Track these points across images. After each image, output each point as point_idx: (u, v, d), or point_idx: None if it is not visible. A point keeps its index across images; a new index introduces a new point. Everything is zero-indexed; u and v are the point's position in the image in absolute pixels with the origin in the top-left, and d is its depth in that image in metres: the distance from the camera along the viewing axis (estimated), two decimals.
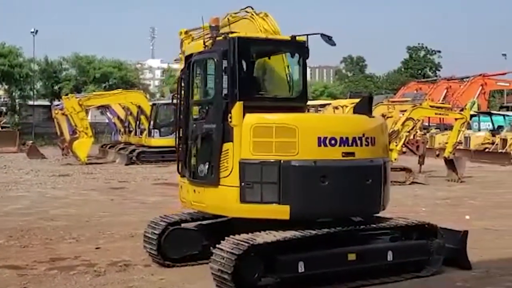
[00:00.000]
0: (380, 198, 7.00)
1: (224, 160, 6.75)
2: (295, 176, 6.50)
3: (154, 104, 27.09)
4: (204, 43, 7.17)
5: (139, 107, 26.82)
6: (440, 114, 20.79)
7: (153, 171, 21.77)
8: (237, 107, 6.72)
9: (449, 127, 29.56)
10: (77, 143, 24.80)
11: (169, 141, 25.04)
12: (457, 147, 20.40)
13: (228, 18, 8.12)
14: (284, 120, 6.64)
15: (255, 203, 6.58)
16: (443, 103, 26.62)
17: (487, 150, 26.72)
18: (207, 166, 6.99)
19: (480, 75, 39.77)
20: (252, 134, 6.63)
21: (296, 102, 7.46)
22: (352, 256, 6.73)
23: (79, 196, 15.05)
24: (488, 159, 25.39)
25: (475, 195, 15.25)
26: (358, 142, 6.75)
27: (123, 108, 29.06)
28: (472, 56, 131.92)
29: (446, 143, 26.26)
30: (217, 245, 6.40)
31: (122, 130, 29.57)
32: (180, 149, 7.71)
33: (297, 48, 7.33)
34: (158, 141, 25.39)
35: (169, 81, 57.89)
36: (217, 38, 7.00)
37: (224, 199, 6.82)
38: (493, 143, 26.90)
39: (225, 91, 6.85)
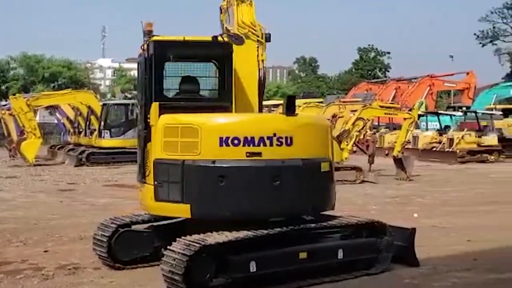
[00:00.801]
0: (296, 200, 6.76)
1: (147, 160, 7.07)
2: (195, 176, 6.60)
3: (104, 104, 26.67)
4: (141, 47, 7.30)
5: (89, 107, 26.32)
6: (389, 114, 21.19)
7: (104, 172, 21.43)
8: (153, 107, 6.96)
9: (398, 127, 30.17)
10: (25, 144, 24.19)
11: (120, 142, 24.87)
12: (406, 146, 20.82)
13: (222, 6, 8.19)
14: (189, 121, 6.75)
15: (165, 202, 6.82)
16: (392, 103, 27.21)
17: (434, 149, 27.35)
18: (138, 166, 7.41)
19: (428, 76, 40.79)
20: (163, 134, 6.82)
21: (220, 102, 7.35)
22: (303, 255, 6.78)
23: (27, 198, 14.69)
24: (436, 158, 26.00)
25: (423, 193, 15.60)
26: (267, 142, 6.61)
27: (72, 108, 28.49)
28: (421, 58, 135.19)
29: (395, 142, 26.97)
30: (168, 247, 6.36)
31: (72, 131, 28.96)
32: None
33: (220, 48, 7.25)
34: (108, 142, 25.03)
35: (120, 81, 57.21)
36: (148, 42, 7.16)
37: (145, 197, 7.15)
38: (440, 142, 27.55)
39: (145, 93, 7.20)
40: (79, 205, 13.48)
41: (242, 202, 6.60)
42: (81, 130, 27.55)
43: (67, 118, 29.69)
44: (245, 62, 7.62)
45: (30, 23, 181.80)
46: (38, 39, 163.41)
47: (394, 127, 31.40)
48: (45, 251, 8.64)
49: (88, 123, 26.62)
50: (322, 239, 7.21)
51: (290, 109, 6.86)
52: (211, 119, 6.82)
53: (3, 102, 39.58)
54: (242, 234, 6.46)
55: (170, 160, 6.71)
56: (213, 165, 6.55)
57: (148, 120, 7.04)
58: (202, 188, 6.61)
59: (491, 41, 72.45)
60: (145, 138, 7.15)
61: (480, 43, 73.14)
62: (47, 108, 32.02)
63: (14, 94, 30.05)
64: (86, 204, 13.66)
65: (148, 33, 7.14)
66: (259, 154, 6.58)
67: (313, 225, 7.03)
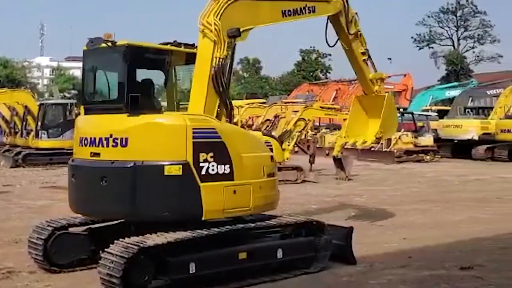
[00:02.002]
0: (126, 203, 6.58)
1: None
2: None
3: (42, 104, 25.92)
4: None
5: (25, 107, 25.57)
6: (329, 114, 21.58)
7: (41, 174, 20.87)
8: (81, 110, 7.63)
9: (338, 127, 30.73)
10: None
11: (58, 142, 24.24)
12: (345, 147, 21.16)
13: None
14: (76, 121, 7.64)
15: None
16: (332, 104, 27.66)
17: (373, 149, 27.89)
18: None
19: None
20: None
21: (116, 103, 7.15)
22: (243, 255, 6.81)
23: None
24: (374, 157, 26.55)
25: (361, 192, 15.93)
26: (104, 142, 6.75)
27: (8, 108, 27.61)
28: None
29: (335, 142, 27.42)
30: (105, 249, 6.26)
31: (7, 131, 28.04)
32: None
33: (118, 52, 7.02)
34: (46, 142, 24.37)
35: (59, 80, 55.81)
36: None
37: None
38: (378, 143, 28.16)
39: None
40: (15, 208, 13.07)
41: (83, 200, 7.10)
42: (17, 130, 26.75)
43: (3, 118, 28.70)
44: (198, 61, 7.29)
45: None
46: None
47: (334, 127, 31.96)
48: None
49: (24, 123, 25.87)
50: (262, 239, 7.27)
51: (132, 109, 6.69)
52: (80, 119, 7.57)
53: None
54: (181, 235, 6.43)
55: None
56: (71, 163, 7.29)
57: None
58: (69, 185, 7.40)
59: (427, 45, 74.83)
60: None
61: (417, 46, 75.42)
62: None
63: None
64: (22, 207, 13.27)
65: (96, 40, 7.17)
66: (98, 154, 6.86)
67: (252, 225, 7.07)
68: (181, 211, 6.58)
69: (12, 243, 9.22)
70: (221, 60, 7.14)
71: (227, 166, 6.76)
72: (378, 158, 26.41)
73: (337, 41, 9.54)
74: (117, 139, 6.65)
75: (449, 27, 74.76)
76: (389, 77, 43.27)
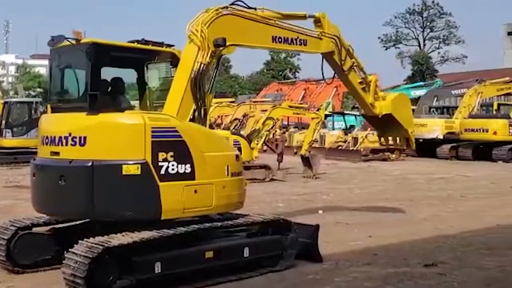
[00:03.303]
0: (83, 202, 6.55)
1: None
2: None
3: (6, 102, 25.51)
4: None
5: None
6: (297, 113, 21.68)
7: (4, 173, 20.49)
8: (48, 109, 7.61)
9: (306, 126, 30.91)
10: None
11: (22, 141, 23.88)
12: (313, 145, 21.35)
13: None
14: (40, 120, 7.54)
15: None
16: (301, 103, 27.81)
17: (340, 148, 28.24)
18: None
19: (334, 77, 41.89)
20: None
21: (80, 102, 7.11)
22: (209, 254, 6.81)
23: None
24: (341, 156, 26.82)
25: (328, 190, 16.05)
26: (64, 141, 6.73)
27: None
28: None
29: (303, 141, 27.60)
30: (69, 249, 6.19)
31: None
32: None
33: (80, 51, 6.93)
34: (10, 141, 24.00)
35: (24, 78, 54.80)
36: None
37: None
38: (345, 141, 28.49)
39: None
40: None
41: (44, 200, 7.08)
42: None
43: None
44: (180, 65, 7.36)
45: None
46: None
47: (302, 126, 32.12)
48: None
49: None
50: (228, 237, 7.27)
51: (92, 107, 6.63)
52: (41, 119, 7.53)
53: None
54: (147, 234, 6.39)
55: None
56: (33, 162, 7.20)
57: None
58: (30, 184, 7.34)
59: (394, 45, 75.81)
60: None
61: (384, 46, 76.36)
62: None
63: None
64: None
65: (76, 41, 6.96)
66: (58, 153, 6.82)
67: (219, 224, 7.07)
68: (139, 210, 6.54)
69: None
70: (202, 65, 7.23)
71: (188, 165, 6.72)
72: (345, 156, 26.69)
73: (334, 76, 9.76)
74: (75, 137, 6.59)
75: (415, 28, 76.01)
76: None
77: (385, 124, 10.64)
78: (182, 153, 6.70)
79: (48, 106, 7.67)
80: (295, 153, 24.02)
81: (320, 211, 12.19)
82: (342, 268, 7.63)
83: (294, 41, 8.57)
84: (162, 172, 6.54)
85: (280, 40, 8.36)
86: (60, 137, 6.73)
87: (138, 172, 6.44)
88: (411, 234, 9.93)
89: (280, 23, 8.44)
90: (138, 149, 6.49)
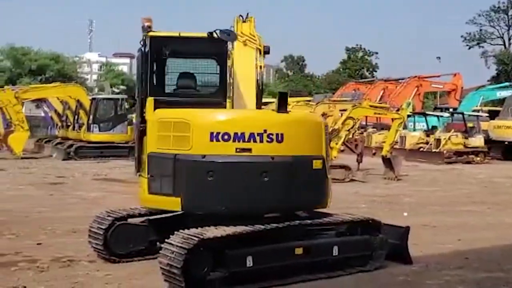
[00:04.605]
0: (285, 197, 6.77)
1: (143, 153, 7.28)
2: (186, 170, 6.68)
3: (94, 99, 26.57)
4: (140, 42, 7.41)
5: (78, 101, 26.21)
6: (378, 113, 21.33)
7: (92, 166, 21.35)
8: (149, 102, 7.16)
9: (385, 127, 30.38)
10: (13, 137, 24.07)
11: (108, 136, 24.83)
12: (394, 146, 20.97)
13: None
14: (180, 115, 6.86)
15: (157, 194, 6.97)
16: (380, 103, 27.34)
17: (421, 149, 27.59)
18: (135, 159, 7.57)
19: (416, 76, 40.99)
20: (157, 128, 6.97)
21: (215, 97, 7.52)
22: (299, 251, 6.83)
23: (16, 191, 14.61)
24: (423, 158, 26.22)
25: (411, 192, 15.74)
26: (257, 138, 6.67)
27: (61, 102, 28.35)
28: (408, 58, 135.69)
29: (383, 142, 27.11)
30: (166, 240, 6.37)
31: (59, 124, 28.83)
32: None
33: (215, 45, 7.40)
34: (97, 136, 24.97)
35: (108, 76, 56.81)
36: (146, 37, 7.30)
37: (141, 190, 7.33)
38: (427, 143, 27.81)
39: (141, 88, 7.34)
40: (69, 199, 13.43)
41: (232, 197, 6.65)
42: (69, 124, 27.44)
43: (55, 111, 29.54)
44: (244, 66, 7.80)
45: (17, 15, 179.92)
46: (24, 31, 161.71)
47: (381, 127, 31.60)
48: (38, 244, 8.62)
49: (76, 117, 26.52)
50: (318, 235, 7.28)
51: (281, 106, 6.88)
52: (202, 114, 6.93)
53: None
54: (240, 229, 6.49)
55: (162, 153, 6.85)
56: (203, 159, 6.62)
57: (145, 115, 7.25)
58: (192, 182, 6.70)
59: (477, 44, 73.13)
60: (142, 132, 7.32)
61: (467, 45, 73.82)
62: (33, 101, 31.82)
63: (1, 87, 29.78)
64: (76, 198, 13.62)
65: (147, 28, 7.21)
66: (249, 150, 6.66)
67: (309, 221, 7.09)
68: (323, 203, 7.16)
69: (70, 232, 9.48)
70: (262, 68, 7.77)
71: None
72: (426, 158, 26.07)
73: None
74: (272, 134, 6.67)
75: (500, 27, 72.92)
76: (439, 76, 42.86)
77: None
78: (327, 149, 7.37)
79: (151, 99, 7.20)
80: (374, 154, 23.66)
81: (405, 213, 11.97)
82: (433, 270, 7.48)
83: None
84: (327, 166, 7.15)
85: None
86: (252, 134, 6.67)
87: (320, 166, 7.02)
88: (500, 239, 9.61)
89: None
90: (321, 145, 7.14)
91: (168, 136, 6.85)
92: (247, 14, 8.08)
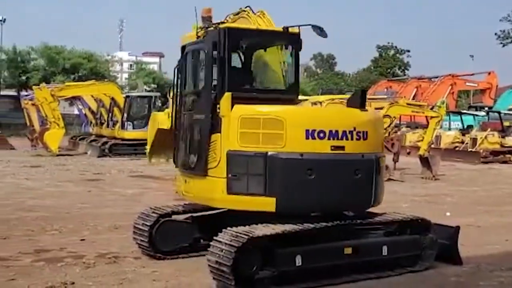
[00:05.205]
0: (371, 193, 6.87)
1: (212, 151, 6.72)
2: (281, 169, 6.44)
3: (127, 96, 26.80)
4: (196, 34, 7.14)
5: (112, 99, 26.43)
6: (416, 112, 20.96)
7: (127, 163, 21.50)
8: (226, 98, 6.68)
9: (419, 126, 29.96)
10: (49, 134, 24.34)
11: (142, 133, 24.81)
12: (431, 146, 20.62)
13: (227, 20, 8.00)
14: (272, 112, 6.58)
15: (241, 195, 6.54)
16: (418, 101, 26.93)
17: (457, 148, 27.13)
18: (196, 157, 6.96)
19: (450, 75, 40.36)
20: (239, 125, 6.58)
21: (288, 94, 7.46)
22: (348, 250, 6.71)
23: (55, 187, 14.74)
24: (459, 157, 25.77)
25: (451, 192, 15.44)
26: (349, 136, 6.64)
27: (95, 99, 28.63)
28: (440, 56, 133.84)
29: (417, 141, 26.71)
30: (214, 237, 6.29)
31: (94, 122, 29.14)
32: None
33: (290, 39, 7.29)
34: (131, 133, 25.14)
35: (140, 74, 57.26)
36: (209, 29, 6.98)
37: (211, 189, 6.77)
38: (462, 142, 27.34)
39: (214, 82, 6.81)
40: (108, 195, 13.50)
41: (329, 195, 6.59)
42: (103, 121, 27.69)
43: (89, 109, 29.86)
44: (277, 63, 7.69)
45: (49, 14, 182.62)
46: (56, 30, 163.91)
47: (415, 125, 31.18)
48: (81, 240, 8.65)
49: (111, 114, 26.74)
50: (367, 235, 7.13)
51: (363, 104, 6.96)
52: (296, 111, 6.87)
53: (25, 93, 39.87)
54: (289, 227, 6.38)
55: (249, 152, 6.50)
56: (301, 158, 6.45)
57: (218, 111, 6.70)
58: (289, 181, 6.48)
59: None
60: (211, 128, 6.76)
61: (501, 43, 72.34)
62: (67, 99, 32.23)
63: (35, 85, 30.22)
64: (115, 194, 13.68)
65: (208, 19, 7.05)
66: (342, 147, 6.59)
67: (359, 220, 6.96)
68: (381, 200, 7.12)
69: (113, 229, 9.49)
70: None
71: None
72: (463, 158, 25.62)
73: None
74: (360, 132, 6.73)
75: None
76: (472, 74, 42.12)
77: None
78: None
79: (229, 95, 6.71)
80: (408, 153, 23.24)
81: (448, 213, 11.70)
82: (484, 271, 7.28)
83: None
84: None
85: None
86: (345, 132, 6.63)
87: (383, 164, 7.13)
88: None
89: None
90: (382, 143, 7.28)
91: (255, 134, 6.51)
92: (247, 6, 7.79)
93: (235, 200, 6.58)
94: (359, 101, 7.11)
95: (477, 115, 31.34)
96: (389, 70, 73.03)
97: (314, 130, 6.49)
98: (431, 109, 20.84)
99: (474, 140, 26.50)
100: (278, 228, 6.33)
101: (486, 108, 33.42)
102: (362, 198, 6.88)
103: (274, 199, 6.41)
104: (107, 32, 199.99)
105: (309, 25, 7.10)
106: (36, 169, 18.62)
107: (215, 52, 6.80)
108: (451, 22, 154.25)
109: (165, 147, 10.17)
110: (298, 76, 7.60)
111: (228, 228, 6.37)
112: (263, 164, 6.42)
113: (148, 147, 10.89)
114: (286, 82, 7.65)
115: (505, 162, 25.49)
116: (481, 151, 25.69)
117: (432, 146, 25.21)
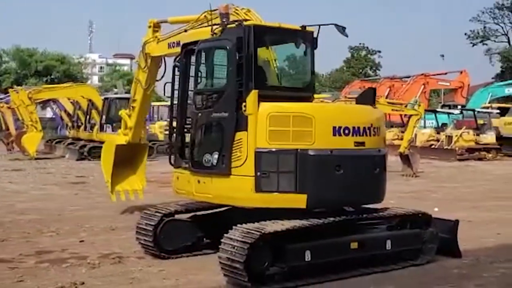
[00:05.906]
0: (385, 186, 7.29)
1: (237, 150, 6.64)
2: (312, 165, 6.52)
3: (106, 98, 26.41)
4: (212, 31, 7.07)
5: (89, 101, 26.10)
6: (396, 110, 21.28)
7: None
8: (252, 95, 6.61)
9: (394, 124, 30.38)
10: (26, 137, 23.95)
11: None
12: (412, 144, 20.93)
13: (205, 15, 7.96)
14: (301, 109, 6.68)
15: (271, 192, 6.54)
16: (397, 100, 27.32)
17: (433, 146, 27.58)
18: (216, 156, 6.84)
19: (422, 74, 40.95)
20: (268, 123, 6.55)
21: (304, 92, 7.59)
22: (354, 245, 6.83)
23: (40, 190, 14.60)
24: (435, 155, 26.18)
25: (434, 189, 15.73)
26: (368, 132, 6.92)
27: (71, 102, 28.25)
28: (411, 56, 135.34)
29: (393, 139, 27.08)
30: (225, 235, 6.33)
31: (70, 124, 28.72)
32: (174, 140, 7.69)
33: (306, 38, 7.39)
34: (110, 136, 24.81)
35: (113, 76, 56.76)
36: (228, 26, 6.95)
37: (237, 189, 6.70)
38: (437, 140, 27.81)
39: (239, 79, 6.71)
40: (96, 197, 13.40)
41: (354, 190, 6.85)
42: (80, 124, 27.30)
43: (65, 111, 29.45)
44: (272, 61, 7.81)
45: (20, 16, 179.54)
46: (27, 32, 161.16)
47: (391, 124, 31.57)
48: (81, 241, 8.62)
49: (88, 117, 26.37)
50: (371, 230, 7.27)
51: (374, 102, 7.30)
52: (324, 108, 7.22)
53: (1, 95, 39.21)
54: (298, 223, 6.47)
55: (279, 149, 6.52)
56: (331, 154, 6.61)
57: (244, 108, 6.61)
58: (320, 177, 6.59)
59: (481, 41, 72.98)
60: (235, 126, 6.67)
61: (471, 43, 73.64)
62: (40, 102, 31.72)
63: (8, 88, 29.75)
64: (102, 197, 13.47)
65: (226, 16, 7.03)
66: (363, 143, 6.85)
67: (365, 215, 7.09)
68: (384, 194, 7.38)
69: (109, 230, 9.46)
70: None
71: None
72: (439, 155, 26.04)
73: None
74: (376, 128, 7.06)
75: (504, 24, 72.79)
76: (445, 73, 42.80)
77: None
78: None
79: (255, 92, 6.63)
80: None
81: (436, 209, 11.87)
82: (484, 263, 7.47)
83: None
84: None
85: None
86: (365, 128, 6.89)
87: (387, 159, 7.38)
88: None
89: None
90: (384, 139, 7.48)
91: (285, 131, 6.53)
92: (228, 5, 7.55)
93: (264, 198, 6.56)
94: (371, 98, 7.40)
95: (452, 113, 31.88)
96: (361, 71, 73.70)
97: (340, 127, 6.71)
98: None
99: (450, 138, 26.98)
100: (288, 224, 6.41)
101: (460, 107, 34.00)
102: (380, 191, 7.28)
103: (305, 195, 6.52)
104: (76, 34, 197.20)
105: (332, 24, 7.26)
106: (17, 173, 18.38)
107: (238, 50, 6.70)
108: (421, 23, 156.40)
109: (127, 174, 10.40)
110: (314, 75, 7.81)
111: (238, 225, 6.42)
112: (293, 161, 6.48)
113: (107, 179, 10.73)
114: (302, 81, 7.89)
115: (480, 159, 25.99)
116: (457, 148, 26.15)
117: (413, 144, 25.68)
